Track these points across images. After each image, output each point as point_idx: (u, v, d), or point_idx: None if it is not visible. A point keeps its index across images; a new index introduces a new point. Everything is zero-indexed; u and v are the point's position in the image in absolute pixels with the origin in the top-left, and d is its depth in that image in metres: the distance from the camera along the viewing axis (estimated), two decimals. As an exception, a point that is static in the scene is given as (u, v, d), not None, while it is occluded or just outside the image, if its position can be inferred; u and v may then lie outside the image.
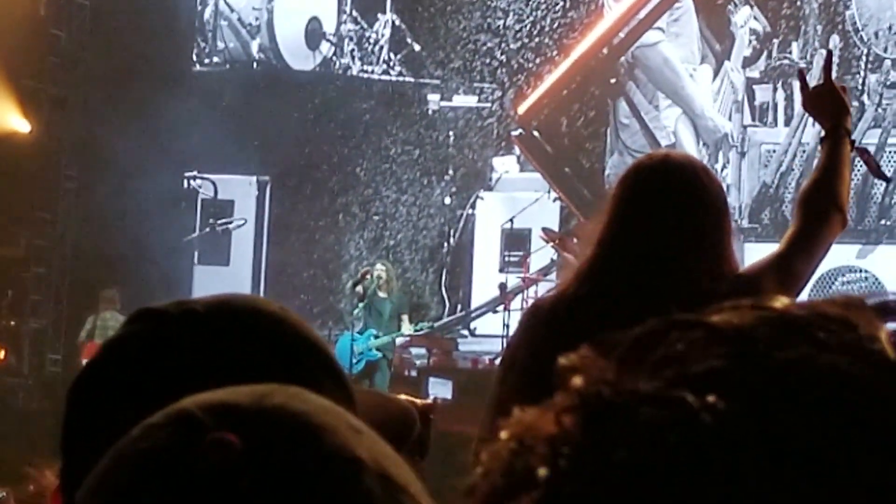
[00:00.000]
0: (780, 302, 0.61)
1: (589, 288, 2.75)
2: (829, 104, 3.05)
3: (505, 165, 15.24)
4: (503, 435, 0.59)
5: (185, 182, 15.39)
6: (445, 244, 15.40)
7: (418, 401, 1.51)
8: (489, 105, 15.32)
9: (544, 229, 12.39)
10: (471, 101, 15.43)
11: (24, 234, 14.08)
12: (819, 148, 3.08)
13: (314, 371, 1.19)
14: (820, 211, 2.94)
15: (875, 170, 3.21)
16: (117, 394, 1.18)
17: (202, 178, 15.38)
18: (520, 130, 14.46)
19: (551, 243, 12.10)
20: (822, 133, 3.06)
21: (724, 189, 2.85)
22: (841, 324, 0.59)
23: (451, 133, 15.46)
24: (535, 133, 14.42)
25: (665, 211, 2.75)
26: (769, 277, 2.81)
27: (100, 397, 1.20)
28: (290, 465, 0.81)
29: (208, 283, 13.99)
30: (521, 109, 14.45)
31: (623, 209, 2.80)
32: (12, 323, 13.71)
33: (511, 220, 13.99)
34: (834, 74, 3.12)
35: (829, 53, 3.25)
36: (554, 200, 14.18)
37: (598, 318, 2.61)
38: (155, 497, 0.81)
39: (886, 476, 0.55)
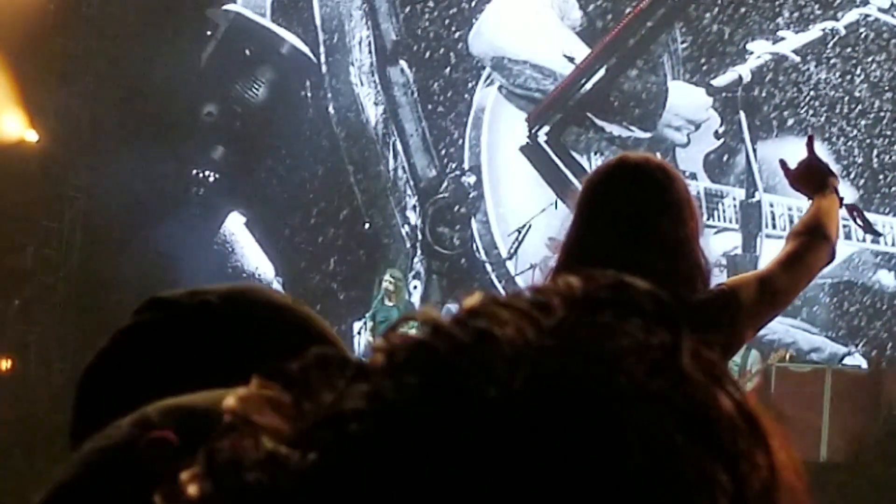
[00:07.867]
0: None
1: None
2: (814, 177, 3.18)
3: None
4: None
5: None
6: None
7: None
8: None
9: (551, 238, 12.34)
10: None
11: (30, 243, 14.08)
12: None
13: None
14: (809, 239, 3.00)
15: (866, 226, 3.29)
16: (126, 384, 1.16)
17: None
18: (526, 141, 14.44)
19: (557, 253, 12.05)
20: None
21: (687, 187, 2.82)
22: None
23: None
24: (542, 143, 14.41)
25: (619, 212, 2.73)
26: (750, 290, 2.81)
27: (109, 387, 1.18)
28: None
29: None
30: (530, 119, 14.45)
31: (581, 213, 2.80)
32: (19, 332, 13.69)
33: (518, 231, 13.92)
34: None
35: (811, 137, 3.37)
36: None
37: None
38: (100, 487, 0.85)
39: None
